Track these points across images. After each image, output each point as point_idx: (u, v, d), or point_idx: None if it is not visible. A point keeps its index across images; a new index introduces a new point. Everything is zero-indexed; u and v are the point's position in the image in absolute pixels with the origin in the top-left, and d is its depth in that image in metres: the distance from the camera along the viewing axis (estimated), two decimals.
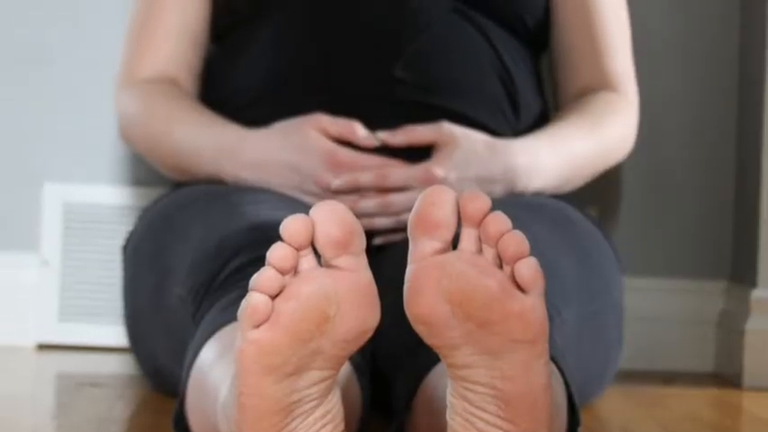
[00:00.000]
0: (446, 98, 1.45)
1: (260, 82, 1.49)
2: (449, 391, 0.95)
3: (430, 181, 1.37)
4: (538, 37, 1.57)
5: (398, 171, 1.38)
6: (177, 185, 1.53)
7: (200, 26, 1.57)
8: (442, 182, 1.37)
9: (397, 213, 1.38)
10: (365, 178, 1.38)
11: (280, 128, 1.42)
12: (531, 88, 1.54)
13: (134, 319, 1.47)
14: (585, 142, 1.50)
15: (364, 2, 1.47)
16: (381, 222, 1.38)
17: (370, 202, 1.38)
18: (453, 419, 0.95)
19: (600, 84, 1.57)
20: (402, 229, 1.36)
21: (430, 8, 1.47)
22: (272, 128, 1.43)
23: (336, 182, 1.38)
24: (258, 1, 1.50)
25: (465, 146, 1.40)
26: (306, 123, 1.40)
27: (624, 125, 1.56)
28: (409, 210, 0.94)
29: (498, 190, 1.41)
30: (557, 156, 1.46)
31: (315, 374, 0.92)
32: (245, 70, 1.50)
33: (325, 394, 0.94)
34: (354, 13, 1.47)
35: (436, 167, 1.38)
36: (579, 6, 1.57)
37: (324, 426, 0.94)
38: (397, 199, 1.38)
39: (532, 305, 0.90)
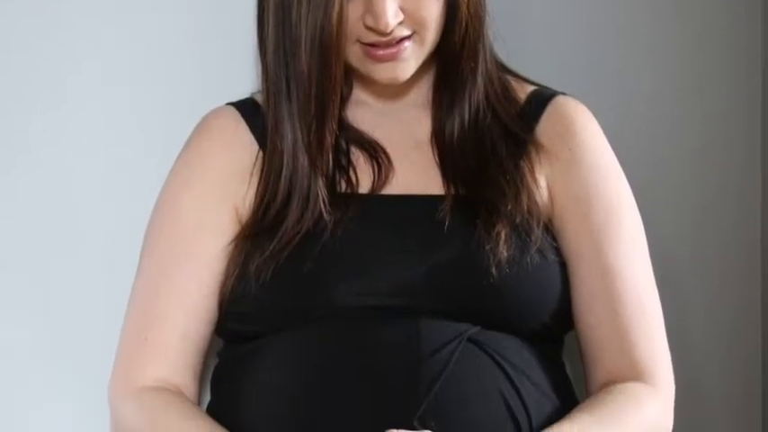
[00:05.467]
0: None
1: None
2: None
3: None
4: (555, 334, 1.50)
5: None
6: None
7: (203, 332, 1.49)
8: None
9: None
10: None
11: None
12: (549, 406, 1.45)
13: None
14: None
15: (377, 343, 1.40)
16: None
17: None
18: None
19: (624, 374, 1.47)
20: None
21: (444, 343, 1.40)
22: None
23: None
24: (270, 323, 1.44)
25: None
26: None
27: (648, 418, 1.44)
28: None
29: None
30: None
31: None
32: (254, 410, 1.43)
33: None
34: (367, 352, 1.40)
35: None
36: (601, 291, 1.48)
37: None
38: None
39: None
